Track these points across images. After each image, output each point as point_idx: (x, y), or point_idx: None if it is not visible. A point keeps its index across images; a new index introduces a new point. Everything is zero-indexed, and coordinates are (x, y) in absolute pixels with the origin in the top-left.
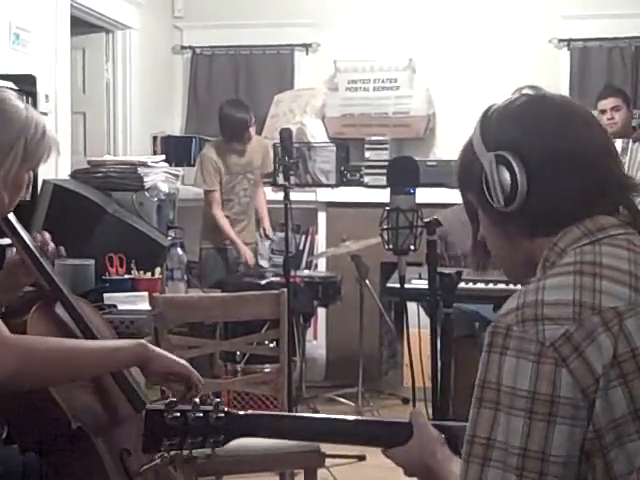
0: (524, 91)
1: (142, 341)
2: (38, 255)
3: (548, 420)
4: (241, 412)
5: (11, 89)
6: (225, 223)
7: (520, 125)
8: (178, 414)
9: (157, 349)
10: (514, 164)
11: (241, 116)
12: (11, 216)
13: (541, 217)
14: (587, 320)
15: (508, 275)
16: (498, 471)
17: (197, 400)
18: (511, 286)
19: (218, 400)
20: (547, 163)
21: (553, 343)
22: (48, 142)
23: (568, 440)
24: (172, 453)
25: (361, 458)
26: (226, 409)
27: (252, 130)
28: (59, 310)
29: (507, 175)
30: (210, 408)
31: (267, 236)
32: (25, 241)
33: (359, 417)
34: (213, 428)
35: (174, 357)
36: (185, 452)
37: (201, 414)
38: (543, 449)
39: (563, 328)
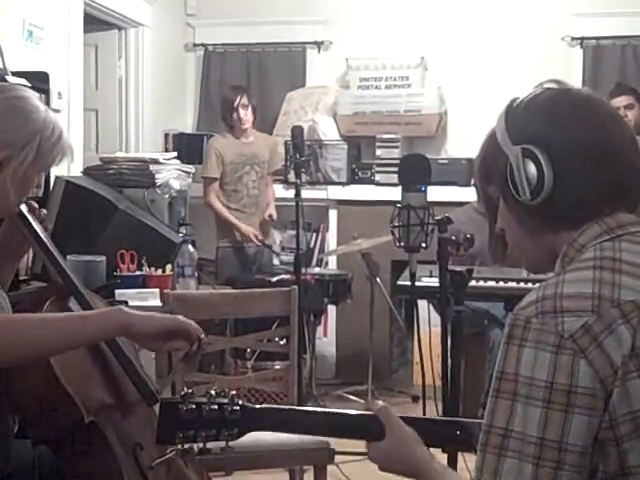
0: (547, 85)
1: (120, 306)
2: (52, 249)
3: (566, 410)
4: (256, 406)
5: (25, 86)
6: (221, 207)
7: (547, 118)
8: (193, 406)
9: (139, 312)
10: (541, 158)
11: (226, 95)
12: (24, 208)
13: (566, 211)
14: (606, 312)
15: (528, 267)
16: (514, 460)
17: (212, 392)
18: (522, 284)
19: (233, 393)
20: (574, 157)
21: (572, 335)
22: (62, 147)
23: (586, 430)
24: (185, 446)
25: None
26: (241, 402)
27: (244, 112)
28: (73, 305)
29: (533, 169)
30: (225, 401)
31: (270, 217)
32: (39, 234)
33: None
34: (228, 421)
35: (161, 315)
36: (199, 444)
37: (216, 407)
38: (560, 438)
39: (582, 320)
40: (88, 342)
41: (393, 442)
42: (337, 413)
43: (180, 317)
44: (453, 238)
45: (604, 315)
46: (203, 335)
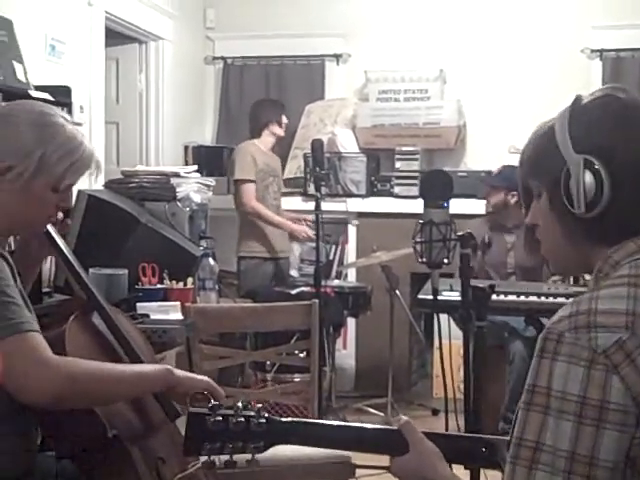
0: (613, 92)
1: (168, 366)
2: (76, 265)
3: (597, 425)
4: (283, 419)
5: (47, 100)
6: (268, 212)
7: (613, 132)
8: (220, 418)
9: (181, 372)
10: (603, 173)
11: (275, 109)
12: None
13: (614, 228)
14: None
15: (556, 268)
16: (546, 474)
17: (239, 405)
18: (543, 299)
19: (260, 405)
20: (634, 176)
21: (605, 350)
22: (74, 161)
23: (617, 446)
24: (211, 458)
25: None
26: (267, 415)
27: (275, 128)
28: (96, 320)
29: (592, 182)
30: (252, 413)
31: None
32: (63, 251)
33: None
34: (254, 433)
35: (196, 376)
36: (225, 457)
37: (243, 419)
38: (592, 453)
39: (616, 336)
40: (140, 395)
41: (416, 457)
42: (362, 427)
43: (210, 381)
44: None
45: (638, 332)
46: (224, 400)
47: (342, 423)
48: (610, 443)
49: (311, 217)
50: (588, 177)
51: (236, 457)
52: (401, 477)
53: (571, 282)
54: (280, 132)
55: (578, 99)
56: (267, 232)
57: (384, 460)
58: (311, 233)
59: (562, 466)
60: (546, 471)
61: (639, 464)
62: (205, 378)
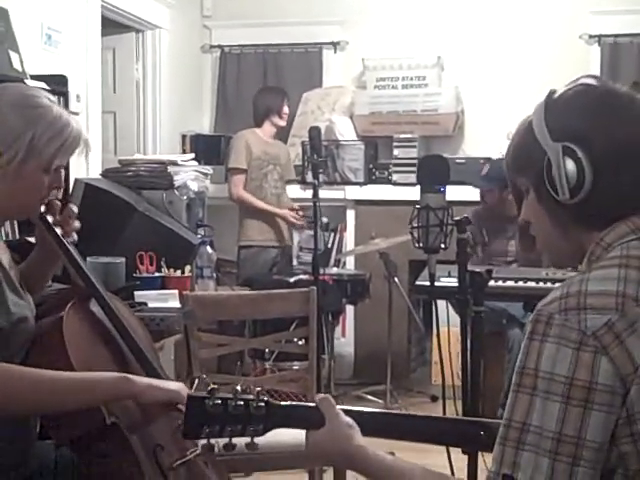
0: (585, 81)
1: (127, 375)
2: (73, 252)
3: (585, 406)
4: (282, 402)
5: (43, 89)
6: (253, 198)
7: (590, 118)
8: (219, 401)
9: (144, 381)
10: (582, 157)
11: (274, 97)
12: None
13: (601, 211)
14: (630, 311)
15: (553, 260)
16: (531, 454)
17: (238, 388)
18: (541, 284)
19: (259, 389)
20: (614, 159)
21: (595, 332)
22: (63, 141)
23: (603, 426)
24: (210, 441)
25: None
26: (266, 399)
27: (275, 118)
28: (94, 307)
29: (573, 167)
30: (251, 397)
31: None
32: (60, 238)
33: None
34: (253, 417)
35: (164, 385)
36: (224, 440)
37: (242, 402)
38: (578, 434)
39: (605, 317)
40: (91, 404)
41: (330, 429)
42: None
43: (180, 390)
44: (469, 236)
45: (628, 313)
46: None
47: (345, 407)
48: (597, 424)
49: (301, 213)
50: (569, 163)
51: (235, 440)
52: (316, 452)
53: (569, 267)
54: (280, 123)
55: (552, 92)
56: (267, 221)
57: (385, 446)
58: (292, 219)
59: (548, 446)
60: (532, 451)
61: (623, 445)
62: (175, 387)
